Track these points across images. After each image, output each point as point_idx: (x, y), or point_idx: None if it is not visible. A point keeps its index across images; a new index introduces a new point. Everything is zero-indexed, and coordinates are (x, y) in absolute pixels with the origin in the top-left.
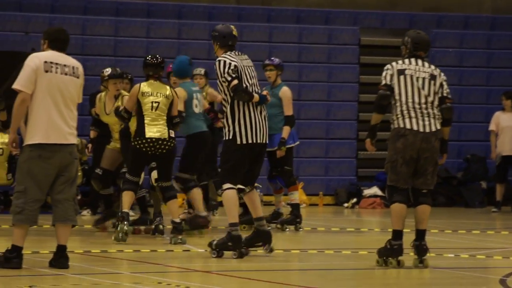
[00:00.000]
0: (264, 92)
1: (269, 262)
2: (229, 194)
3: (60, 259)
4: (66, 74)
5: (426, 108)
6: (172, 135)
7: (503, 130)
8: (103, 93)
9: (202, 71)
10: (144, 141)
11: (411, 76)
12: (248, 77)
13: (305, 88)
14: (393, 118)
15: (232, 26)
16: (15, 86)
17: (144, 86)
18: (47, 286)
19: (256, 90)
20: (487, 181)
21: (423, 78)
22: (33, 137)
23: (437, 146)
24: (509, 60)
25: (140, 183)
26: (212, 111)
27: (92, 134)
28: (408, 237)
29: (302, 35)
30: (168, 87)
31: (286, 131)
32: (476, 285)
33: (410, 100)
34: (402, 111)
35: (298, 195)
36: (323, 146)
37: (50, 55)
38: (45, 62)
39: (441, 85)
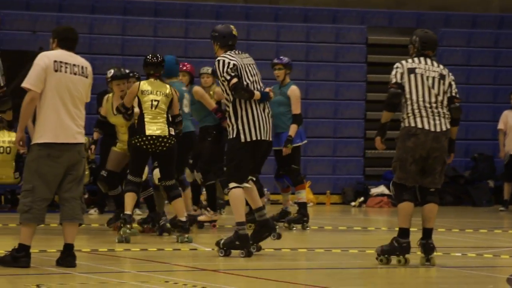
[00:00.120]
0: (267, 89)
1: (276, 261)
2: (235, 193)
3: (67, 257)
4: (75, 73)
5: (437, 108)
6: (172, 133)
7: None
8: (110, 94)
9: (210, 70)
10: (144, 138)
11: (422, 75)
12: (249, 74)
13: (313, 87)
14: (403, 117)
15: (231, 26)
16: (24, 84)
17: (144, 85)
18: (55, 285)
19: (258, 87)
20: (495, 180)
21: (433, 78)
22: (42, 136)
23: (446, 146)
24: None
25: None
26: (220, 111)
27: (96, 135)
28: (415, 236)
29: (309, 34)
30: (168, 86)
31: (293, 129)
32: (483, 284)
33: (421, 99)
34: (413, 110)
35: (305, 194)
36: (331, 145)
37: (60, 54)
38: (55, 61)
39: (450, 85)
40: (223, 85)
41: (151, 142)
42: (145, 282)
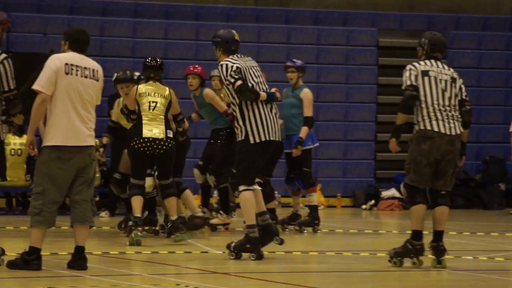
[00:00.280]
0: (273, 90)
1: (287, 264)
2: (245, 196)
3: (78, 260)
4: (86, 77)
5: (450, 111)
6: (170, 135)
7: None
8: (121, 98)
9: None
10: (141, 140)
11: (435, 78)
12: (254, 76)
13: (323, 90)
14: (418, 119)
15: (233, 31)
16: (35, 86)
17: (142, 87)
18: (66, 287)
19: (264, 88)
20: (506, 183)
21: (445, 81)
22: (52, 138)
23: (459, 149)
24: None
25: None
26: (231, 113)
27: (105, 140)
28: (425, 239)
29: (320, 37)
30: (167, 88)
31: (304, 131)
32: (495, 287)
33: (435, 102)
34: (428, 113)
35: (316, 197)
36: (341, 147)
37: (71, 57)
38: (66, 64)
39: (460, 88)
40: (228, 89)
41: (148, 144)
42: (156, 285)
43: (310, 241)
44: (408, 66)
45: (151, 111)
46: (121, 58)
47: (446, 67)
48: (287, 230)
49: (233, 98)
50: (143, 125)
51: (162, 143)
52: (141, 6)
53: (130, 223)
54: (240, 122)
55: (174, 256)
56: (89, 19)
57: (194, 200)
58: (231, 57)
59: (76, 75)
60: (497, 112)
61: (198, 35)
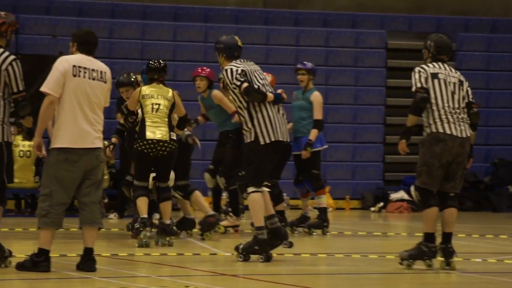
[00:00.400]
0: (279, 91)
1: (296, 266)
2: (254, 198)
3: (87, 262)
4: (93, 79)
5: (460, 113)
6: (174, 137)
7: None
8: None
9: None
10: (145, 142)
11: (444, 81)
12: (258, 78)
13: (332, 92)
14: (429, 122)
15: (236, 37)
16: (43, 89)
17: (145, 89)
18: None
19: (269, 90)
20: None
21: (454, 83)
22: (59, 141)
23: (468, 151)
24: None
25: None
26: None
27: (114, 140)
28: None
29: (329, 39)
30: (170, 90)
31: (313, 133)
32: None
33: (446, 104)
34: (440, 115)
35: (325, 199)
36: (350, 150)
37: (79, 59)
38: (74, 66)
39: (467, 90)
40: (234, 93)
41: (152, 146)
42: (165, 287)
43: (318, 243)
44: (417, 69)
45: (154, 113)
46: (130, 60)
47: (453, 69)
48: (296, 232)
49: (240, 102)
50: (147, 127)
51: (166, 144)
52: (149, 8)
53: (137, 225)
54: (249, 124)
55: (182, 258)
56: (98, 21)
57: (204, 200)
58: (234, 61)
59: (84, 77)
60: (506, 114)
61: (207, 37)
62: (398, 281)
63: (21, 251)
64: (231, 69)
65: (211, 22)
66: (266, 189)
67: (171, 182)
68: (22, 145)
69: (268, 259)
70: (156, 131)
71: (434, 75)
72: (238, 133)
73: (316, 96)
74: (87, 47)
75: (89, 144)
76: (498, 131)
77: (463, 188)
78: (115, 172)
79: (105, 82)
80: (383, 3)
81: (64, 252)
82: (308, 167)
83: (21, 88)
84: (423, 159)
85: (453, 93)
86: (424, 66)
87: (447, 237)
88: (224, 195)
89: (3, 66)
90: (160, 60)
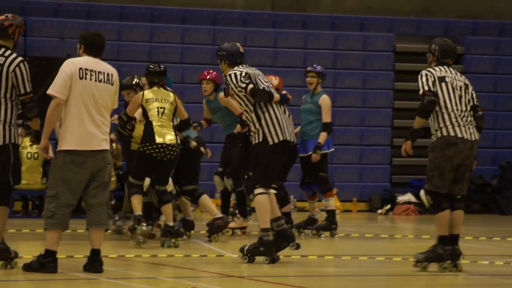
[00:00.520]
0: (284, 92)
1: (302, 268)
2: (261, 199)
3: (94, 263)
4: (100, 81)
5: (468, 116)
6: (179, 141)
7: None
8: None
9: None
10: (154, 146)
11: (451, 84)
12: (262, 80)
13: (340, 95)
14: (439, 125)
15: (238, 44)
16: (50, 91)
17: (148, 93)
18: None
19: (274, 91)
20: None
21: (460, 87)
22: (66, 143)
23: (475, 154)
24: None
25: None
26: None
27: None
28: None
29: (337, 42)
30: (171, 93)
31: (323, 136)
32: None
33: (455, 108)
34: (450, 119)
35: (333, 202)
36: (357, 152)
37: (86, 61)
38: (80, 68)
39: (472, 94)
40: (239, 96)
41: (161, 150)
42: None
43: (325, 245)
44: (424, 72)
45: (159, 116)
46: (138, 62)
47: (458, 73)
48: (302, 234)
49: (246, 105)
50: (155, 131)
51: (174, 149)
52: (158, 11)
53: (131, 224)
54: (257, 125)
55: (190, 260)
56: (106, 24)
57: (211, 203)
58: (236, 67)
59: (91, 79)
60: None
61: (215, 40)
62: (405, 283)
63: (28, 252)
64: (235, 74)
65: (219, 25)
66: (273, 191)
67: (169, 187)
68: (29, 146)
69: (273, 260)
70: (165, 136)
71: (441, 79)
72: (245, 135)
73: (324, 99)
74: (94, 49)
75: (96, 146)
76: (506, 134)
77: (471, 190)
78: (122, 174)
79: (112, 84)
80: (391, 6)
81: (71, 253)
82: (315, 169)
83: (28, 90)
84: (435, 163)
85: (460, 96)
86: (430, 69)
87: (454, 239)
88: (233, 196)
89: (11, 68)
90: (160, 64)
